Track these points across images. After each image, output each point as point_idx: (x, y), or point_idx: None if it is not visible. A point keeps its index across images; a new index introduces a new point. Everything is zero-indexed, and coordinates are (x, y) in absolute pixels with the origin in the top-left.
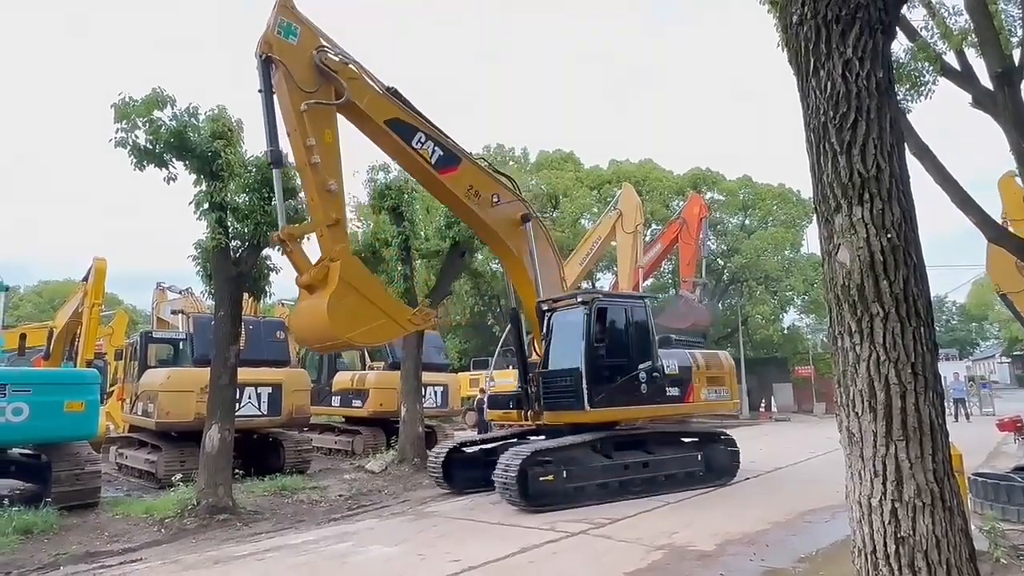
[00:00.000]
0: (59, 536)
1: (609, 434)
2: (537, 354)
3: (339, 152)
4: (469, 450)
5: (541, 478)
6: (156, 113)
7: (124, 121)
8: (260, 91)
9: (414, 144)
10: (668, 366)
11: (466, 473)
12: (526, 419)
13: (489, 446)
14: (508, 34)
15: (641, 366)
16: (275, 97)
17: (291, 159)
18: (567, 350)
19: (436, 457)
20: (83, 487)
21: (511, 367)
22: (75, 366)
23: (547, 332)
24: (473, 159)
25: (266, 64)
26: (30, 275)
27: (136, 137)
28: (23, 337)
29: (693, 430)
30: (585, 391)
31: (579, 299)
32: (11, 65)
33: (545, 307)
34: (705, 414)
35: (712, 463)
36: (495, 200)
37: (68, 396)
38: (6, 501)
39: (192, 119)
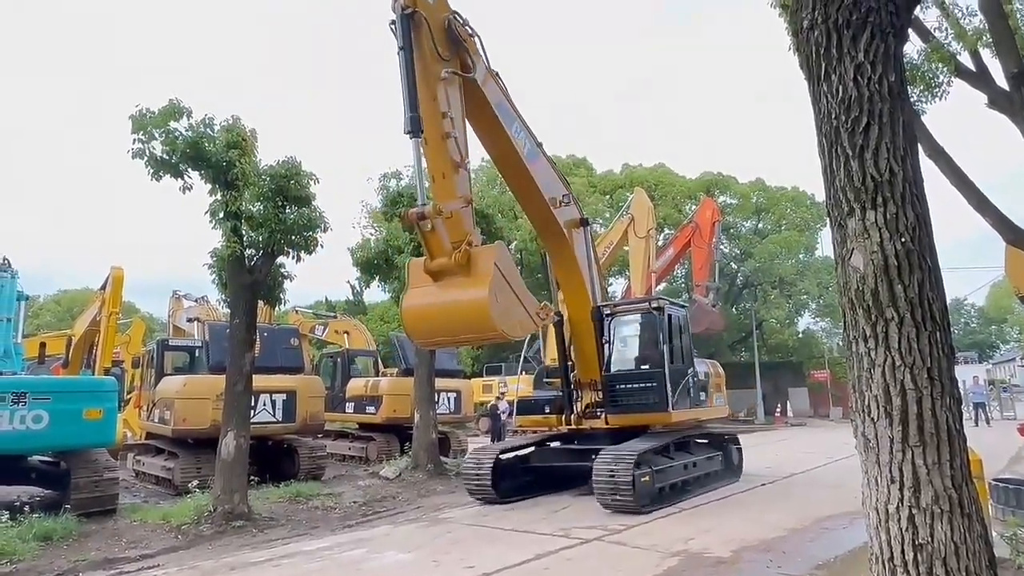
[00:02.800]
0: (78, 542)
1: (678, 436)
2: (550, 359)
3: (466, 127)
4: (504, 457)
5: (643, 479)
6: (172, 124)
7: (141, 132)
8: (401, 49)
9: (513, 132)
10: (699, 372)
11: (507, 482)
12: (567, 424)
13: (523, 453)
14: (515, 36)
15: (689, 370)
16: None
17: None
18: (641, 353)
19: (479, 465)
20: (102, 494)
21: (524, 372)
22: (93, 374)
23: (609, 336)
24: (548, 157)
25: (406, 20)
26: (51, 284)
27: (153, 148)
28: (43, 346)
29: (716, 432)
30: (669, 393)
31: (653, 305)
32: (16, 70)
33: (606, 311)
34: (714, 418)
35: (728, 463)
36: (564, 200)
37: (87, 404)
38: (26, 508)
39: (207, 129)
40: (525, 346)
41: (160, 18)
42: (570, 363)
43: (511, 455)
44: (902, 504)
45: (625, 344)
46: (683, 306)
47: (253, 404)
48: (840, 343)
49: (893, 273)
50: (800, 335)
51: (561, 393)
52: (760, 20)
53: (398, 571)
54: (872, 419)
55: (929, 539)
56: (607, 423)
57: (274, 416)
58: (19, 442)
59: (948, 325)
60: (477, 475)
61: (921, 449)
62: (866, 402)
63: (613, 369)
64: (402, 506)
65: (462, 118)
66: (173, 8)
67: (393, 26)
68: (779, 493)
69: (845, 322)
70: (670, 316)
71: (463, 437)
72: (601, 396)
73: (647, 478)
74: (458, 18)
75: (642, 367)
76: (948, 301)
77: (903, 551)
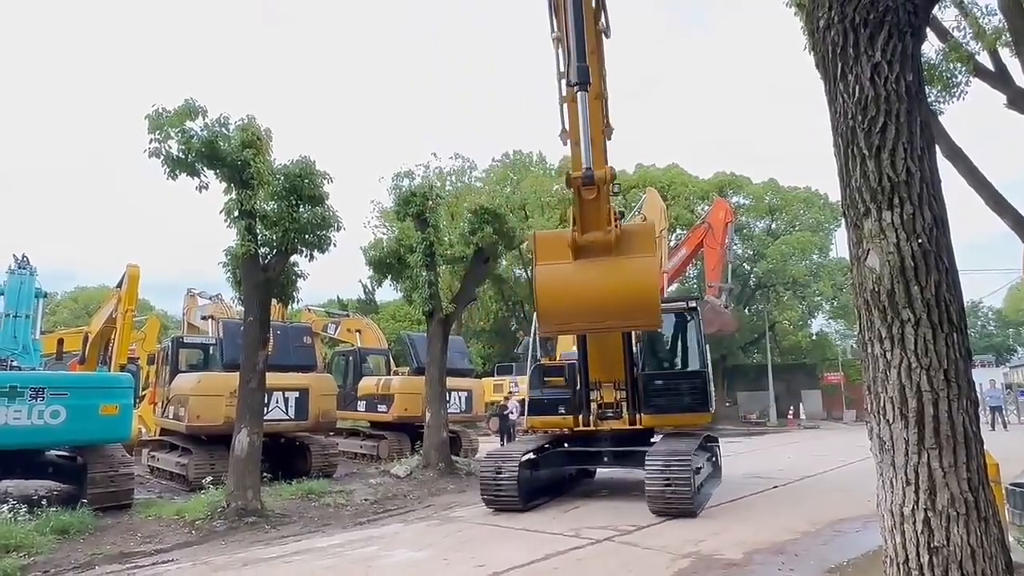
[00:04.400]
0: (94, 536)
1: (705, 436)
2: (549, 359)
3: None
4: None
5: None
6: (188, 124)
7: (158, 132)
8: None
9: (605, 98)
10: None
11: (524, 488)
12: (585, 424)
13: (534, 456)
14: (522, 36)
15: (707, 370)
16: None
17: None
18: (682, 353)
19: (498, 474)
20: (117, 489)
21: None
22: (109, 370)
23: (643, 335)
24: None
25: None
26: (69, 281)
27: (169, 147)
28: (60, 342)
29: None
30: (712, 393)
31: (690, 304)
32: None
33: None
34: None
35: (714, 463)
36: (615, 188)
37: (103, 400)
38: (44, 502)
39: (223, 129)
40: (531, 346)
41: (172, 17)
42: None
43: (526, 459)
44: (917, 507)
45: (663, 343)
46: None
47: (266, 402)
48: (854, 345)
49: (910, 274)
50: (813, 337)
51: (570, 393)
52: (775, 19)
53: (409, 569)
54: (887, 421)
55: (945, 542)
56: (634, 424)
57: (287, 414)
58: (37, 436)
59: (965, 327)
60: (498, 486)
61: (937, 452)
62: (881, 404)
63: (648, 369)
64: (413, 504)
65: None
66: (186, 7)
67: None
68: (791, 496)
69: (860, 323)
70: (701, 317)
71: (474, 436)
72: (623, 396)
73: (692, 481)
74: None
75: (686, 367)
76: (964, 303)
77: (918, 554)
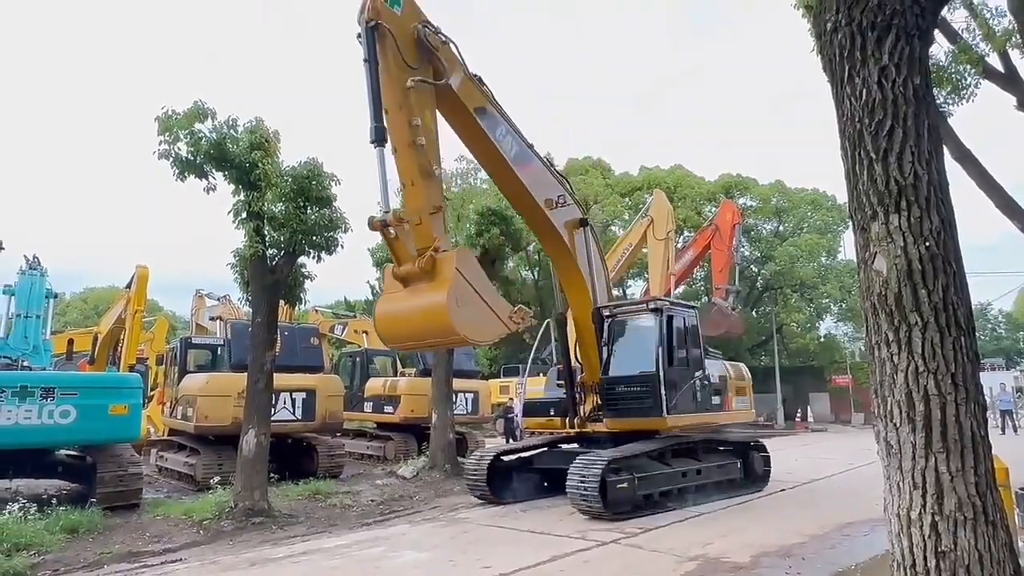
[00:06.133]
0: (103, 536)
1: (674, 442)
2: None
3: (437, 135)
4: (507, 459)
5: (618, 486)
6: (197, 125)
7: (167, 134)
8: (365, 61)
9: (497, 136)
10: (711, 375)
11: (510, 483)
12: (571, 427)
13: (526, 455)
14: (528, 36)
15: (696, 373)
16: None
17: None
18: (638, 356)
19: (476, 468)
20: (126, 488)
21: (542, 375)
22: (119, 370)
23: (608, 338)
24: (542, 157)
25: (371, 33)
26: (79, 282)
27: (178, 149)
28: (71, 342)
29: (733, 438)
30: (664, 398)
31: (650, 306)
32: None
33: (606, 313)
34: (736, 423)
35: (749, 471)
36: (560, 201)
37: (112, 399)
38: (53, 501)
39: (231, 131)
40: (534, 348)
41: (181, 19)
42: (578, 364)
43: (513, 457)
44: (925, 511)
45: (622, 346)
46: (691, 307)
47: (273, 402)
48: (862, 348)
49: (917, 277)
50: (821, 339)
51: (563, 396)
52: (781, 21)
53: (415, 570)
54: (895, 425)
55: (952, 546)
56: (608, 427)
57: (294, 414)
58: (47, 436)
59: (973, 330)
60: (476, 474)
61: (945, 455)
62: (888, 407)
63: (611, 372)
64: (419, 505)
65: (433, 126)
66: (195, 9)
67: (359, 39)
68: (799, 499)
69: (867, 327)
70: (670, 317)
71: (480, 438)
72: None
73: (624, 484)
74: (428, 27)
75: (637, 370)
76: (972, 306)
77: (925, 558)
